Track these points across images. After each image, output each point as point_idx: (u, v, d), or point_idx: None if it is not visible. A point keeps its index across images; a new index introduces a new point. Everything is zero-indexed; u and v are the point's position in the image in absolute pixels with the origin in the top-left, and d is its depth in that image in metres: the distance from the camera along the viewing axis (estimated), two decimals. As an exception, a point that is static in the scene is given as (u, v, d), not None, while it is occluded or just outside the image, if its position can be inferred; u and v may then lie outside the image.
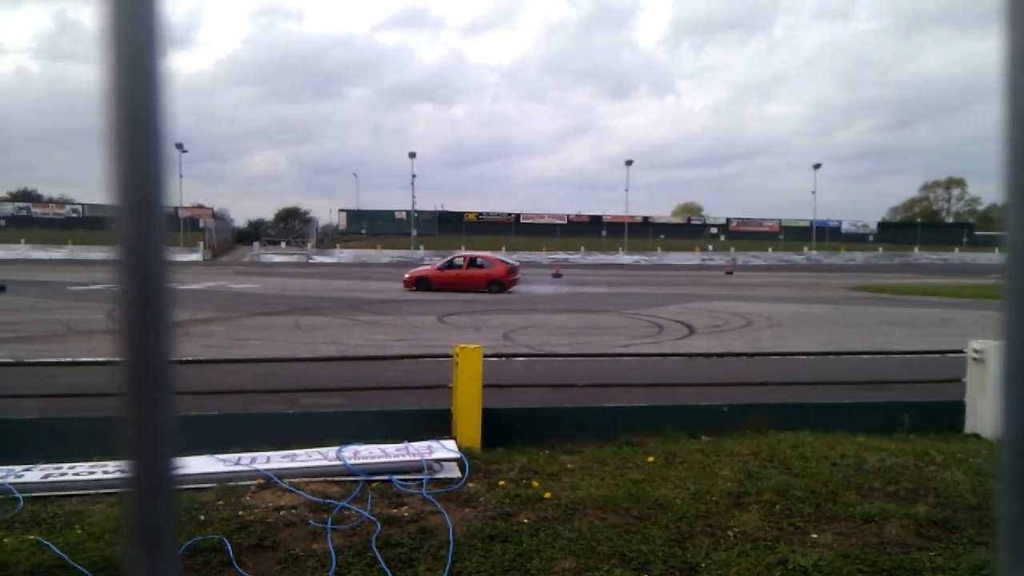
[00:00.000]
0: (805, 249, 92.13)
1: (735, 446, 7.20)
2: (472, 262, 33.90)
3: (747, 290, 37.96)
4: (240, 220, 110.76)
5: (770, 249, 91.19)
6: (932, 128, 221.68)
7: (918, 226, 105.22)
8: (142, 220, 0.46)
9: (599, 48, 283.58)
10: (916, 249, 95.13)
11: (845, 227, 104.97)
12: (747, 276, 56.60)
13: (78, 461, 6.30)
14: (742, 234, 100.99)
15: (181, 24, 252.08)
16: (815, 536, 5.24)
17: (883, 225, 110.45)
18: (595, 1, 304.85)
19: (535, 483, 6.10)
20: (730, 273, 59.71)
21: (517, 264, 35.84)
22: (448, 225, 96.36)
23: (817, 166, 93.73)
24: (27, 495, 5.67)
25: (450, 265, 33.92)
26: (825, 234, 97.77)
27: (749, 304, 28.06)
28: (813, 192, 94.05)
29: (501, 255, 38.93)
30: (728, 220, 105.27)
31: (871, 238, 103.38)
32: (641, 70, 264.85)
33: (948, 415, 8.37)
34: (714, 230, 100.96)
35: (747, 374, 11.52)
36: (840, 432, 7.68)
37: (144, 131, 0.49)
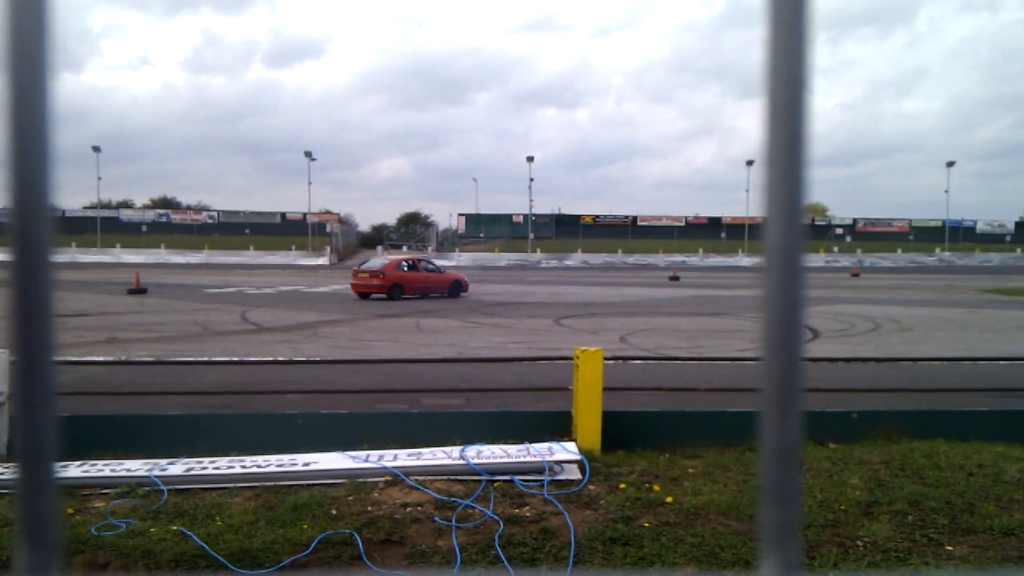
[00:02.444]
0: (937, 250, 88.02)
1: (865, 454, 6.99)
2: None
3: (875, 293, 36.58)
4: (364, 225, 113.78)
5: (899, 250, 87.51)
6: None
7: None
8: (787, 227, 0.54)
9: (729, 46, 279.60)
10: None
11: (980, 227, 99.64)
12: (875, 278, 54.50)
13: (218, 455, 6.63)
14: (870, 235, 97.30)
15: (321, 37, 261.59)
16: (950, 548, 5.05)
17: (1021, 225, 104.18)
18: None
19: (656, 487, 6.08)
20: (856, 275, 57.59)
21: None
22: (565, 228, 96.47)
23: (951, 164, 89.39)
24: (171, 487, 5.99)
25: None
26: (959, 234, 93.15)
27: (877, 307, 27.05)
28: (946, 191, 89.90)
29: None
30: (855, 220, 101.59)
31: (1008, 238, 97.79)
32: None
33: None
34: (839, 231, 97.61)
35: (876, 380, 11.13)
36: (977, 441, 7.34)
37: (797, 147, 0.56)
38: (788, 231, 0.52)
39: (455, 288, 31.09)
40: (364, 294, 29.36)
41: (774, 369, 0.50)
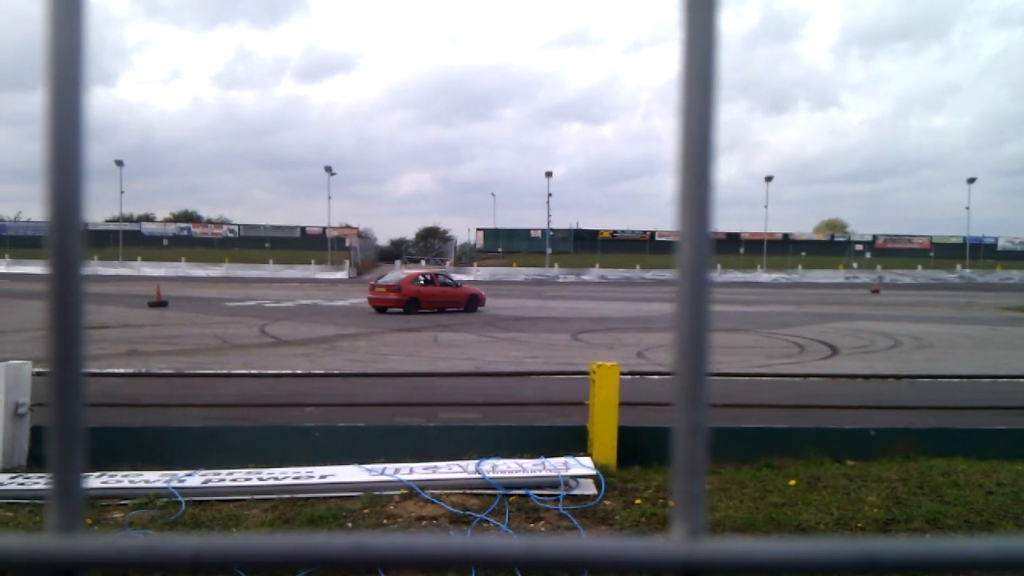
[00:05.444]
0: (958, 267, 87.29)
1: (882, 471, 6.94)
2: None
3: (894, 309, 36.32)
4: (383, 239, 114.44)
5: (920, 267, 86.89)
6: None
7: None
8: (696, 245, 0.58)
9: (761, 61, 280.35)
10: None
11: (1001, 244, 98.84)
12: (895, 295, 54.14)
13: (236, 467, 6.67)
14: (890, 251, 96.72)
15: (354, 52, 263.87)
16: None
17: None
18: (765, 12, 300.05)
19: (672, 503, 6.06)
20: (876, 292, 57.27)
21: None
22: (583, 243, 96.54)
23: (972, 180, 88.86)
24: (188, 499, 6.03)
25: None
26: (980, 251, 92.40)
27: (897, 324, 26.86)
28: (967, 207, 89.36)
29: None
30: (875, 237, 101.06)
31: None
32: (803, 83, 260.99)
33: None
34: (859, 247, 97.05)
35: (895, 397, 11.05)
36: (996, 460, 7.28)
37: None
38: (697, 248, 0.56)
39: (472, 302, 31.11)
40: (381, 308, 29.42)
41: (685, 366, 0.55)
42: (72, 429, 0.49)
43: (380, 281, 31.18)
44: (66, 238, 0.52)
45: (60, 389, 0.50)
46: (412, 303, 28.98)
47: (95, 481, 6.34)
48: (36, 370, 7.69)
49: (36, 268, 70.03)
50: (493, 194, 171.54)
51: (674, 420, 0.57)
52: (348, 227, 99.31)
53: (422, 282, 30.47)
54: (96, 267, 75.45)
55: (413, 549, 0.49)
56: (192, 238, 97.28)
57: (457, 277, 38.39)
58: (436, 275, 32.35)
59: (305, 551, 0.48)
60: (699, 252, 0.57)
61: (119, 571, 0.50)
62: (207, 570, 0.46)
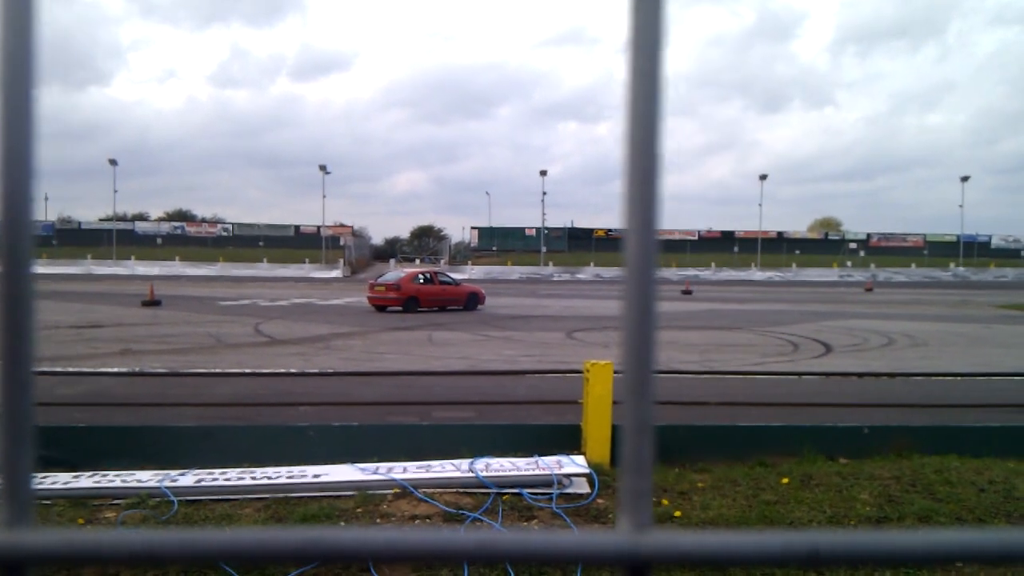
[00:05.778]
0: (951, 265, 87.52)
1: (875, 469, 6.95)
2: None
3: (888, 308, 36.40)
4: (378, 238, 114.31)
5: (913, 265, 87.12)
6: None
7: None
8: (643, 242, 0.59)
9: (756, 60, 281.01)
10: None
11: (995, 242, 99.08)
12: (888, 293, 54.27)
13: (229, 467, 6.66)
14: (883, 250, 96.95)
15: (349, 51, 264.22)
16: (960, 564, 5.01)
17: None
18: (761, 11, 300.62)
19: (665, 501, 6.07)
20: (870, 290, 57.40)
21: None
22: (577, 242, 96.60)
23: (965, 179, 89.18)
24: (181, 498, 6.01)
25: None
26: (973, 249, 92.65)
27: (891, 322, 26.91)
28: (960, 205, 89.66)
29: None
30: (869, 235, 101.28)
31: (1023, 253, 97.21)
32: (799, 81, 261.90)
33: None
34: (853, 245, 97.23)
35: (889, 395, 11.07)
36: (989, 457, 7.29)
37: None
38: (643, 246, 0.56)
39: (471, 300, 31.14)
40: (380, 307, 29.45)
41: (633, 363, 0.55)
42: (21, 426, 0.49)
43: (379, 280, 31.23)
44: (16, 237, 0.52)
45: (9, 387, 0.50)
46: (411, 302, 29.03)
47: (87, 481, 6.33)
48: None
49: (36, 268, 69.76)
50: (487, 193, 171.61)
51: (622, 417, 0.57)
52: (343, 226, 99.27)
53: (421, 281, 30.52)
54: (90, 266, 75.33)
55: (367, 543, 0.49)
56: (186, 237, 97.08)
57: (452, 276, 38.43)
58: (435, 274, 32.36)
59: (253, 546, 0.47)
60: (645, 250, 0.57)
61: (69, 566, 0.50)
62: (155, 565, 0.45)
